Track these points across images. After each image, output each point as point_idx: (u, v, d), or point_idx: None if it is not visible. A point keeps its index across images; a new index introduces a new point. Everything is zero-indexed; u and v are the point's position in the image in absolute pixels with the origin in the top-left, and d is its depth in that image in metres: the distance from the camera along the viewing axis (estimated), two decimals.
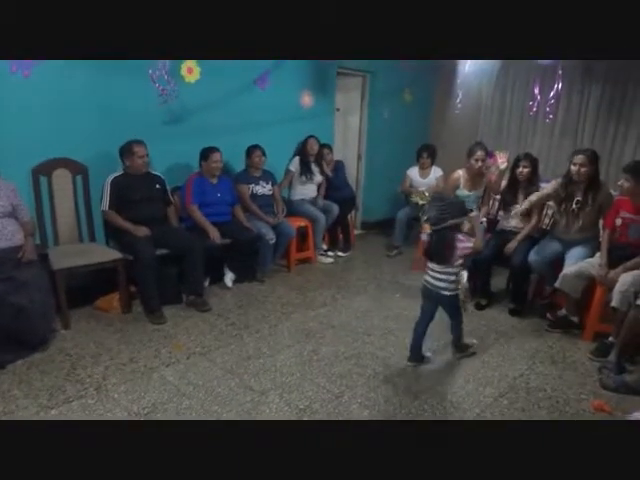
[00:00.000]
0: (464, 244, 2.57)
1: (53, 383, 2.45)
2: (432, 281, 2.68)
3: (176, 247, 3.39)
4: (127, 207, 3.29)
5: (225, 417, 2.24)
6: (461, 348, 2.94)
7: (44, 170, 3.15)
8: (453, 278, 2.64)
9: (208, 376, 2.59)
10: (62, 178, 3.23)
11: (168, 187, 3.61)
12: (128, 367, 2.64)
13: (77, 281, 3.17)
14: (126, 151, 3.29)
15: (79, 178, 3.31)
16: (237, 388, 2.49)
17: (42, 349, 2.75)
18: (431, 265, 2.68)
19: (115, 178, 3.29)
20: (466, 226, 2.78)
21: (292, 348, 2.95)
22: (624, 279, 2.85)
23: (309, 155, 4.48)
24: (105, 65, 3.27)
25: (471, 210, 3.28)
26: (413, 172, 4.99)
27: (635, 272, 2.89)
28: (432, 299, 2.74)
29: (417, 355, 2.83)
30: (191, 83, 3.79)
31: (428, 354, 2.89)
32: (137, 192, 3.32)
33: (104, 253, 3.22)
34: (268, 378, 2.60)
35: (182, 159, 3.87)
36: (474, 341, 3.04)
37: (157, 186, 3.49)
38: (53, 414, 2.20)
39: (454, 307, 2.75)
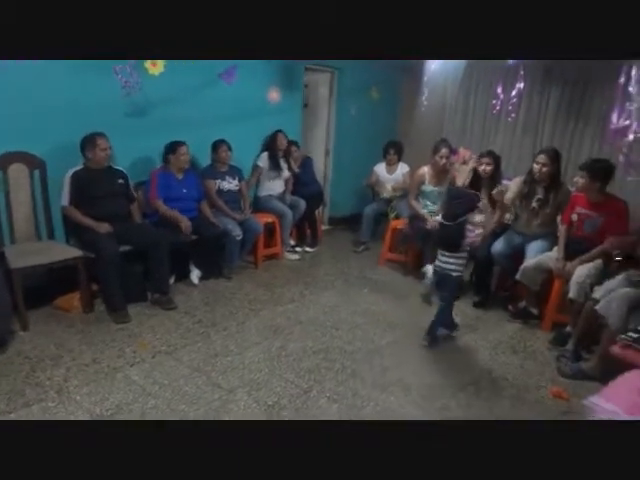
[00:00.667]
0: (473, 233, 3.05)
1: (11, 387, 2.36)
2: (443, 265, 2.92)
3: (140, 243, 3.32)
4: (88, 203, 3.19)
5: (192, 416, 2.22)
6: (432, 333, 3.04)
7: None
8: (461, 262, 2.95)
9: (174, 375, 2.55)
10: (18, 173, 3.10)
11: (131, 182, 3.52)
12: (91, 368, 2.57)
13: (35, 280, 3.06)
14: (88, 143, 3.19)
15: (36, 173, 3.18)
16: (204, 386, 2.46)
17: None
18: (441, 252, 2.97)
19: (75, 172, 3.18)
20: (477, 217, 3.46)
21: (260, 345, 2.94)
22: (580, 271, 2.97)
23: (278, 150, 4.46)
24: None
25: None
26: (380, 168, 5.03)
27: (590, 264, 3.02)
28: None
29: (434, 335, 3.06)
30: (155, 76, 3.69)
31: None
32: (99, 187, 3.22)
33: (64, 251, 3.12)
34: (236, 375, 2.58)
35: (146, 153, 3.78)
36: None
37: (120, 181, 3.39)
38: (12, 418, 2.12)
39: (455, 288, 3.06)
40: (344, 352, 2.90)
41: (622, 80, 1.99)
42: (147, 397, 2.34)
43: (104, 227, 3.16)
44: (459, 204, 2.83)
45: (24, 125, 3.09)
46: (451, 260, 2.91)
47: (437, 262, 3.00)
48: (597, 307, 2.62)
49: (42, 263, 2.94)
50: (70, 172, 3.17)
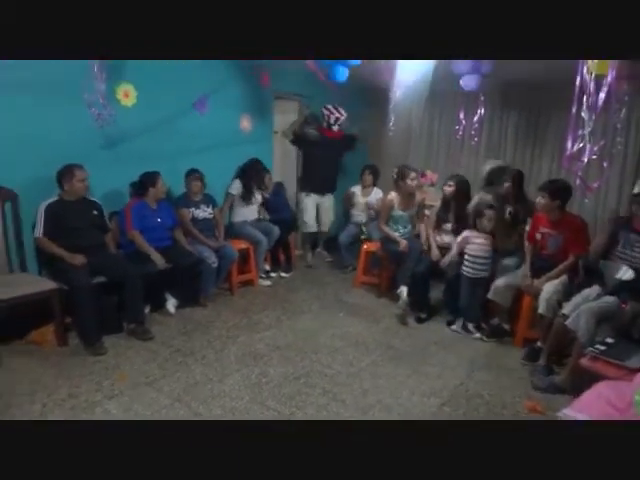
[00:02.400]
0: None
1: None
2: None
3: (114, 275, 3.29)
4: (63, 234, 3.16)
5: None
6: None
7: None
8: None
9: (155, 406, 2.52)
10: None
11: (105, 213, 3.51)
12: (68, 403, 2.52)
13: (7, 313, 2.98)
14: (65, 174, 3.18)
15: (8, 205, 3.14)
16: (186, 417, 2.44)
17: None
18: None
19: (50, 204, 3.16)
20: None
21: (240, 372, 2.93)
22: (548, 288, 3.10)
23: (252, 178, 4.50)
24: (38, 90, 3.17)
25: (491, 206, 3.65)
26: (356, 189, 5.17)
27: (557, 281, 3.16)
28: None
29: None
30: (128, 107, 3.73)
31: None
32: (73, 219, 3.20)
33: (36, 283, 3.07)
34: (217, 404, 2.57)
35: (119, 183, 3.78)
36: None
37: (94, 212, 3.38)
38: None
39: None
40: (324, 376, 2.93)
41: (574, 106, 2.14)
42: None
43: (78, 259, 3.13)
44: None
45: None
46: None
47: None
48: (567, 322, 2.74)
49: (14, 296, 2.88)
50: (44, 204, 3.14)
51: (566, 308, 2.89)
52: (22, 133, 3.17)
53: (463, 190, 4.04)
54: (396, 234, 4.12)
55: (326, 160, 5.07)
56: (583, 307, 2.71)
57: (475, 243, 3.57)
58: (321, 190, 5.20)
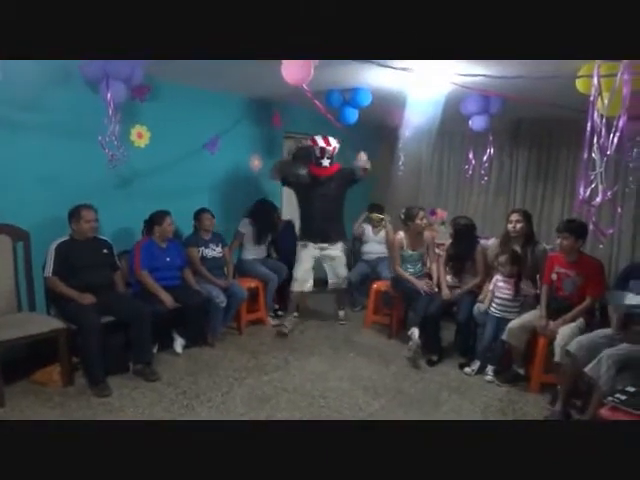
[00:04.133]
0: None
1: None
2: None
3: (122, 314, 3.28)
4: (72, 273, 3.17)
5: None
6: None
7: None
8: None
9: None
10: (2, 244, 3.09)
11: (115, 252, 3.53)
12: None
13: (14, 353, 2.97)
14: (73, 215, 3.22)
15: (20, 244, 3.17)
16: None
17: None
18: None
19: (60, 244, 3.19)
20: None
21: (246, 416, 2.86)
22: (563, 332, 3.02)
23: (262, 218, 4.49)
24: (53, 131, 3.25)
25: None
26: (366, 226, 5.13)
27: (573, 324, 3.08)
28: None
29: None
30: (141, 148, 3.81)
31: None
32: (83, 258, 3.22)
33: (44, 323, 3.06)
34: None
35: (130, 222, 3.82)
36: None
37: (104, 251, 3.40)
38: None
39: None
40: None
41: (585, 150, 2.12)
42: None
43: (87, 298, 3.13)
44: None
45: (9, 197, 3.12)
46: None
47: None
48: (586, 369, 2.65)
49: (21, 336, 2.87)
50: (55, 243, 3.17)
51: (572, 345, 2.83)
52: (37, 173, 3.24)
53: (465, 231, 3.98)
54: (407, 274, 4.06)
55: (322, 203, 4.20)
56: (605, 353, 2.62)
57: (498, 286, 3.55)
58: (321, 239, 4.30)
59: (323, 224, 4.23)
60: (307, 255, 4.31)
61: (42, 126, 3.21)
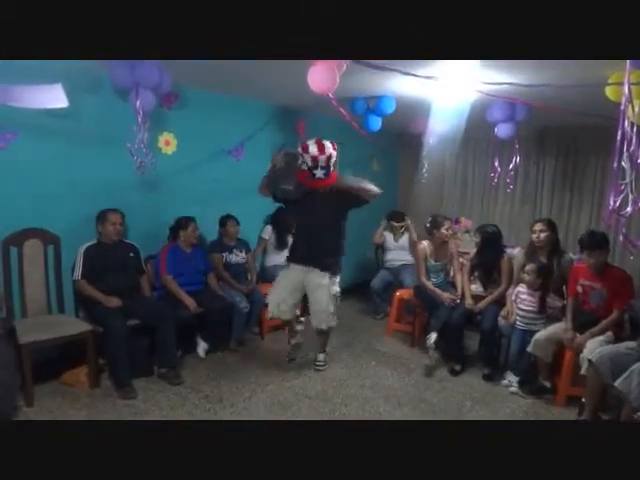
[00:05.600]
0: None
1: None
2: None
3: (148, 318, 3.34)
4: (99, 276, 3.25)
5: None
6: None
7: (15, 241, 3.09)
8: None
9: None
10: (33, 249, 3.17)
11: (142, 255, 3.60)
12: None
13: (43, 354, 3.05)
14: (100, 218, 3.31)
15: (51, 248, 3.26)
16: None
17: None
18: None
19: (88, 247, 3.27)
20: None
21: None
22: (591, 346, 2.95)
23: (284, 227, 4.48)
24: (84, 138, 3.34)
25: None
26: (388, 235, 5.12)
27: (601, 338, 3.01)
28: None
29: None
30: (168, 154, 3.89)
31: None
32: (110, 261, 3.30)
33: (73, 325, 3.13)
34: None
35: (157, 227, 3.88)
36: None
37: (131, 254, 3.48)
38: None
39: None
40: None
41: (615, 160, 2.08)
42: None
43: (114, 302, 3.19)
44: None
45: (40, 202, 3.21)
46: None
47: None
48: (616, 384, 2.58)
49: (50, 337, 2.95)
50: (83, 247, 3.25)
51: (594, 356, 2.77)
52: (67, 179, 3.33)
53: (492, 239, 3.92)
54: (430, 283, 4.03)
55: (312, 222, 3.38)
56: (636, 367, 2.55)
57: (521, 298, 3.49)
58: (308, 262, 3.43)
59: (311, 247, 3.40)
60: (288, 277, 3.53)
61: (73, 133, 3.30)
